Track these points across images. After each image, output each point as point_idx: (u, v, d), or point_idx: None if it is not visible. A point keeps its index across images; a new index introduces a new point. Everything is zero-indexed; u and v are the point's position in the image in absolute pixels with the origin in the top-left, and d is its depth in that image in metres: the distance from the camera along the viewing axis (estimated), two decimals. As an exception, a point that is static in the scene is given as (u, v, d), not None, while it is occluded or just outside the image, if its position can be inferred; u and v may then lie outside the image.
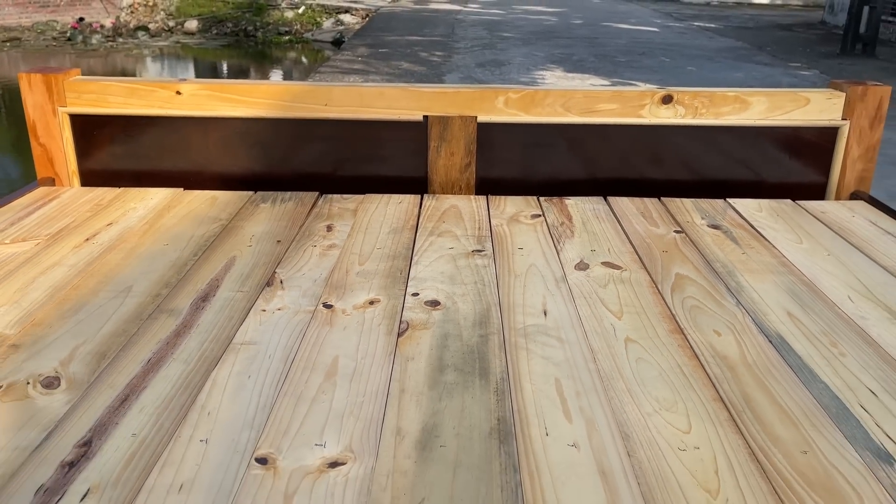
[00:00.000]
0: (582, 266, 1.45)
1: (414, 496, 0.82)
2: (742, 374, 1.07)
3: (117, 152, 1.92)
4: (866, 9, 7.71)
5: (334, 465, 0.87)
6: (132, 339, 1.15)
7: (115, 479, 0.84)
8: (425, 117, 1.87)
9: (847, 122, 1.88)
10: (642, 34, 9.89)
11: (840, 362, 1.11)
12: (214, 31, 14.82)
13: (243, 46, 14.07)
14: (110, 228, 1.59)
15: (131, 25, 14.81)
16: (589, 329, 1.20)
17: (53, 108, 1.85)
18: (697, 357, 1.12)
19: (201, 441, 0.91)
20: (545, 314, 1.25)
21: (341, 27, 13.63)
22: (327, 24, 14.06)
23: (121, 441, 0.91)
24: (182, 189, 1.84)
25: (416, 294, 1.31)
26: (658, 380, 1.05)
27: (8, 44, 13.17)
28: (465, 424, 0.95)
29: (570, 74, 6.84)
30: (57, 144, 1.87)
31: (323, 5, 15.08)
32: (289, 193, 1.82)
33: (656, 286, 1.36)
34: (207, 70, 13.43)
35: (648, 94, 1.88)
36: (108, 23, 14.71)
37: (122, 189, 1.84)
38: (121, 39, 13.92)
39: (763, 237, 1.61)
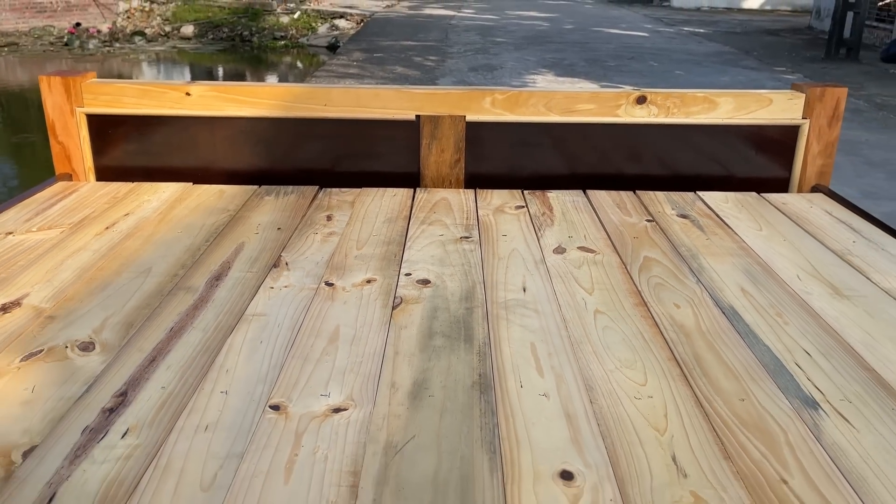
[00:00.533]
0: (560, 250, 1.59)
1: (406, 434, 0.96)
2: (695, 339, 1.22)
3: (130, 149, 2.06)
4: (850, 14, 7.89)
5: (337, 410, 1.01)
6: (155, 311, 1.29)
7: (150, 421, 0.98)
8: (417, 117, 2.01)
9: (807, 121, 2.03)
10: (632, 39, 10.06)
11: (783, 329, 1.26)
12: (210, 36, 14.94)
13: (239, 51, 14.20)
14: (127, 218, 1.73)
15: (128, 30, 14.93)
16: (563, 303, 1.34)
17: (71, 108, 1.99)
18: (657, 325, 1.26)
19: (222, 392, 1.05)
20: (524, 290, 1.39)
21: (336, 32, 13.77)
22: (322, 29, 14.20)
23: (151, 392, 1.05)
24: (191, 183, 1.98)
25: (408, 274, 1.46)
26: (621, 344, 1.20)
27: (6, 49, 13.28)
28: (451, 379, 1.09)
29: (561, 78, 6.99)
30: (74, 142, 2.01)
31: (318, 11, 15.23)
32: (291, 187, 1.96)
33: (626, 267, 1.51)
34: (203, 74, 13.55)
35: (624, 94, 2.03)
36: (104, 28, 14.82)
37: (135, 183, 1.98)
38: (118, 44, 14.04)
39: (727, 225, 1.76)
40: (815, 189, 2.07)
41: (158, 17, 15.13)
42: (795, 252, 1.60)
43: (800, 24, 12.48)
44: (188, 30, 14.72)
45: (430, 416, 1.00)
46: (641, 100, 2.02)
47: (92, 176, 2.06)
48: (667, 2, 18.75)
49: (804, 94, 2.01)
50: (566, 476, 0.89)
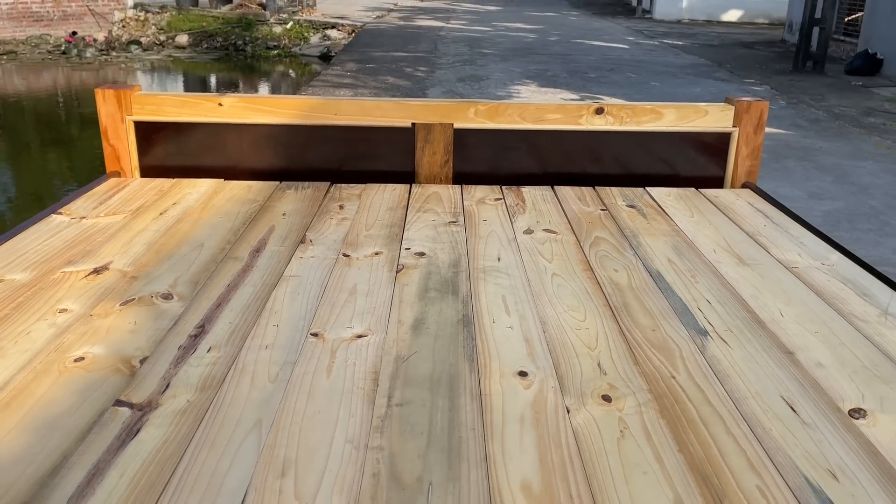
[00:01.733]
0: (528, 231, 1.98)
1: (410, 350, 1.35)
2: (626, 293, 1.61)
3: (170, 151, 2.43)
4: (816, 29, 8.37)
5: (360, 336, 1.40)
6: (213, 273, 1.67)
7: (225, 342, 1.36)
8: (413, 124, 2.40)
9: (737, 129, 2.43)
10: (613, 51, 10.52)
11: (693, 286, 1.65)
12: (205, 46, 15.26)
13: (233, 60, 14.53)
14: (175, 207, 2.11)
15: (123, 39, 15.24)
16: (528, 268, 1.73)
17: (122, 116, 2.37)
18: (598, 284, 1.66)
19: (274, 325, 1.43)
20: (499, 260, 1.78)
21: (328, 42, 14.15)
22: (314, 39, 14.58)
23: (223, 325, 1.43)
24: (223, 180, 2.36)
25: (408, 248, 1.84)
26: (569, 295, 1.59)
27: (5, 57, 13.57)
28: (442, 317, 1.48)
29: (544, 89, 7.41)
30: (123, 145, 2.39)
31: (310, 21, 15.60)
32: (307, 183, 2.35)
33: (579, 244, 1.90)
34: (198, 82, 13.87)
35: (585, 106, 2.43)
36: (100, 37, 15.12)
37: (175, 179, 2.35)
38: (114, 53, 14.35)
39: (666, 213, 2.16)
40: (744, 185, 2.47)
41: (153, 27, 15.46)
42: (716, 233, 2.00)
43: (775, 36, 13.00)
44: (183, 39, 15.06)
45: (427, 340, 1.39)
46: (600, 111, 2.42)
47: (137, 173, 2.44)
48: (648, 14, 19.29)
49: (734, 107, 2.42)
50: (522, 374, 1.28)
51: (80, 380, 1.23)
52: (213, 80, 13.77)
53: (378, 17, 17.06)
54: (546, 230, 2.00)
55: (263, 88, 12.98)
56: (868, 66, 8.12)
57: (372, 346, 1.37)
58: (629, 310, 1.53)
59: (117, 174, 2.41)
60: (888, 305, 1.58)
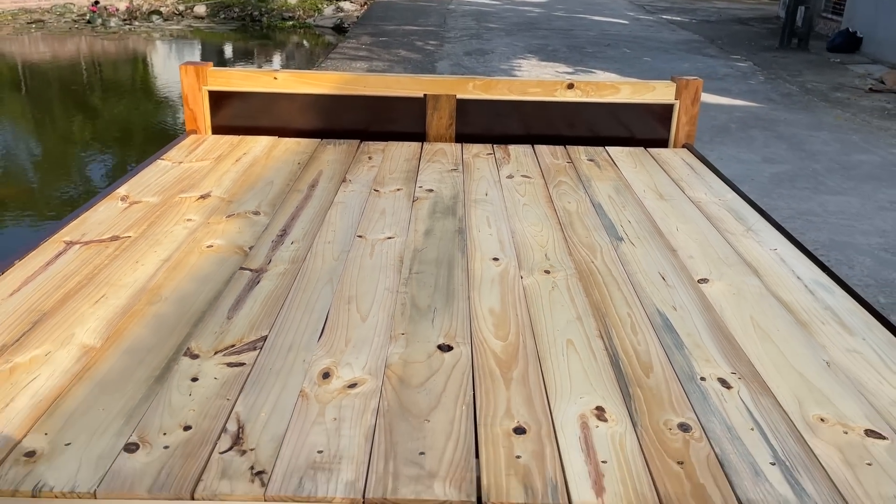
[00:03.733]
0: (510, 177, 2.67)
1: (422, 245, 2.05)
2: (573, 216, 2.31)
3: (235, 114, 3.12)
4: (801, 8, 8.92)
5: (389, 238, 2.10)
6: (284, 200, 2.37)
7: (301, 239, 2.07)
8: (424, 95, 3.08)
9: (678, 102, 3.11)
10: (613, 27, 11.09)
11: (621, 211, 2.35)
12: (222, 16, 15.81)
13: (249, 30, 15.09)
14: (245, 156, 2.80)
15: (144, 9, 15.80)
16: (507, 200, 2.43)
17: (199, 86, 3.05)
18: (555, 210, 2.35)
19: (332, 231, 2.13)
20: (486, 195, 2.48)
21: (341, 14, 14.70)
22: (328, 10, 15.12)
23: (298, 230, 2.13)
24: (277, 137, 3.05)
25: (420, 186, 2.54)
26: (533, 217, 2.29)
27: (33, 26, 14.19)
28: (444, 228, 2.18)
29: (543, 63, 8.03)
30: (200, 109, 3.08)
31: (323, -7, 16.08)
32: (342, 140, 3.04)
33: (546, 185, 2.59)
34: (216, 52, 14.44)
35: (559, 82, 3.11)
36: (122, 6, 15.69)
37: (241, 136, 3.05)
38: (137, 23, 14.93)
39: (616, 165, 2.85)
40: (684, 146, 3.15)
41: (173, -3, 15.98)
42: (649, 179, 2.69)
43: (771, 13, 13.48)
44: (201, 9, 15.61)
45: (434, 241, 2.09)
46: (571, 86, 3.10)
47: (209, 132, 3.13)
48: (654, -12, 19.65)
49: (675, 84, 3.09)
50: (495, 259, 1.98)
51: (214, 256, 1.94)
52: (230, 49, 14.32)
53: (389, -11, 17.51)
54: (523, 176, 2.69)
55: (279, 59, 13.54)
56: (848, 43, 8.68)
57: (397, 243, 2.07)
58: (573, 226, 2.23)
59: (195, 132, 3.11)
60: (752, 224, 2.27)
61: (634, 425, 1.32)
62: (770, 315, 1.73)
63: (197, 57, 13.48)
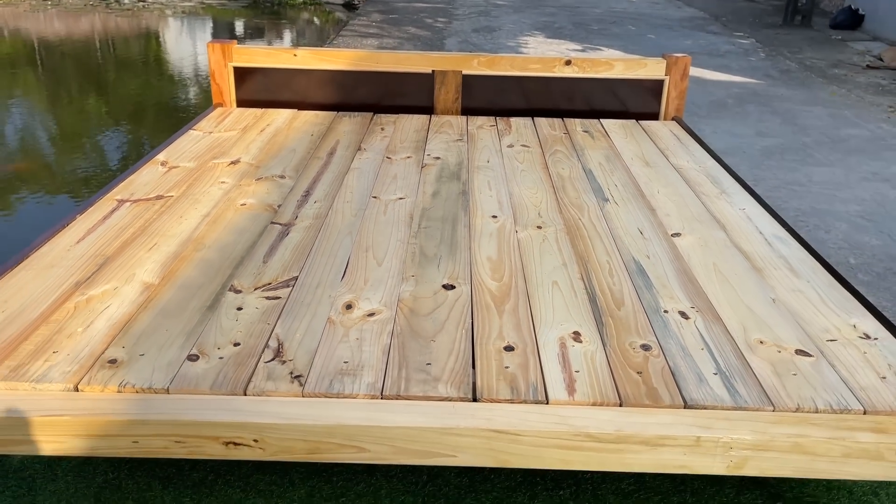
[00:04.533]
0: (510, 146, 2.93)
1: (430, 205, 2.32)
2: (565, 181, 2.57)
3: (258, 89, 3.38)
4: (805, -15, 9.06)
5: (400, 198, 2.37)
6: (306, 165, 2.63)
7: (323, 198, 2.34)
8: (433, 71, 3.33)
9: (668, 77, 3.34)
10: (619, 4, 11.20)
11: (609, 176, 2.60)
12: (234, -7, 15.89)
13: (261, 7, 15.24)
14: (269, 127, 3.07)
15: (157, -14, 15.90)
16: (507, 167, 2.69)
17: (225, 63, 3.31)
18: (550, 176, 2.61)
19: (350, 192, 2.40)
20: (488, 162, 2.74)
21: (351, -9, 14.79)
22: (338, -13, 15.21)
23: (320, 191, 2.40)
24: (297, 110, 3.31)
25: (429, 154, 2.80)
26: (529, 181, 2.55)
27: (49, 3, 14.40)
28: (449, 190, 2.44)
29: (549, 40, 8.20)
30: (226, 84, 3.34)
31: (333, -30, 16.15)
32: (356, 113, 3.29)
33: (543, 153, 2.85)
34: (227, 29, 14.60)
35: (558, 59, 3.35)
36: (135, -17, 15.81)
37: (263, 109, 3.31)
38: (150, 0, 15.10)
39: (608, 136, 3.10)
40: (673, 119, 3.39)
41: (185, -26, 16.08)
42: (638, 148, 2.94)
43: (780, -11, 13.50)
44: (213, -14, 15.69)
45: (440, 201, 2.36)
46: (568, 62, 3.34)
47: (234, 105, 3.40)
48: (663, -36, 19.61)
49: (665, 61, 3.33)
50: (494, 217, 2.25)
51: (247, 213, 2.22)
52: (241, 26, 14.49)
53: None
54: (522, 145, 2.95)
55: (290, 35, 13.70)
56: (850, 20, 8.80)
57: (408, 203, 2.34)
58: (564, 189, 2.50)
59: (220, 105, 3.37)
60: (726, 188, 2.53)
61: (604, 345, 1.59)
62: (730, 262, 1.99)
63: (209, 33, 13.68)
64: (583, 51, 7.53)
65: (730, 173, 2.68)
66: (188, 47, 10.79)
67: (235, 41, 3.38)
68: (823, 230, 3.44)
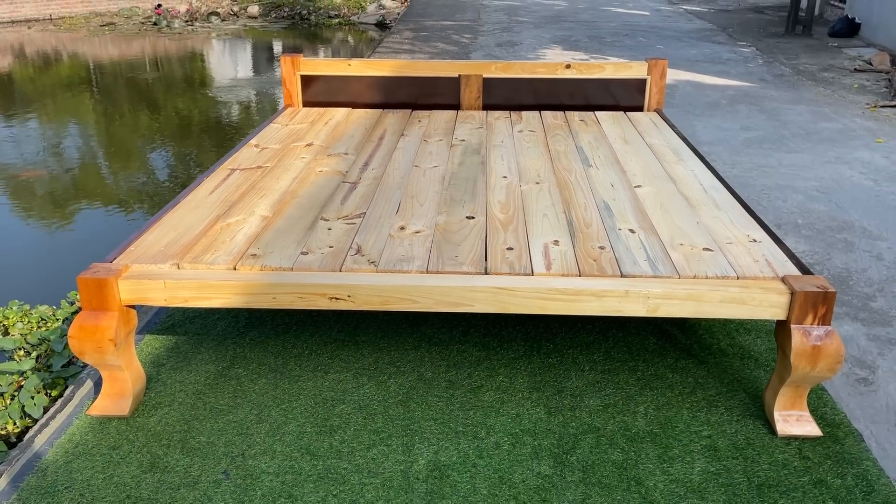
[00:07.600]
0: (520, 131, 3.74)
1: (457, 171, 3.13)
2: (560, 154, 3.36)
3: (320, 92, 4.24)
4: (805, -3, 9.74)
5: (435, 167, 3.18)
6: (363, 146, 3.47)
7: (378, 166, 3.16)
8: (459, 75, 4.15)
9: (650, 77, 4.13)
10: (633, 18, 11.97)
11: (596, 151, 3.40)
12: (273, 15, 17.07)
13: (299, 28, 16.31)
14: (330, 121, 3.92)
15: (203, 11, 17.13)
16: (516, 146, 3.49)
17: (294, 71, 4.18)
18: (549, 151, 3.41)
19: (398, 163, 3.23)
20: (501, 142, 3.55)
21: (383, 11, 15.81)
22: (371, 7, 16.25)
23: (376, 163, 3.23)
24: (351, 108, 4.16)
25: (456, 138, 3.62)
26: (533, 155, 3.35)
27: (106, 28, 15.61)
28: (471, 161, 3.26)
29: (566, 52, 8.99)
30: (295, 88, 4.20)
31: (365, -8, 17.18)
32: (398, 110, 4.13)
33: (545, 136, 3.65)
34: (267, 48, 15.63)
35: (560, 64, 4.16)
36: (182, 8, 17.04)
37: (324, 108, 4.16)
38: (197, 24, 16.27)
39: (599, 124, 3.89)
40: (655, 111, 4.17)
41: (227, -1, 17.25)
42: (621, 132, 3.73)
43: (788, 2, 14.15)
44: (254, 9, 16.87)
45: (464, 169, 3.17)
46: (568, 66, 4.15)
47: (300, 105, 4.26)
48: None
49: (647, 63, 4.11)
50: (504, 177, 3.06)
51: (324, 176, 3.05)
52: (280, 47, 15.53)
53: (426, -14, 18.54)
54: (530, 131, 3.76)
55: (326, 54, 14.67)
56: (847, 29, 9.44)
57: (440, 170, 3.16)
58: (559, 159, 3.29)
59: (290, 105, 4.23)
60: (683, 157, 3.30)
61: (574, 247, 2.39)
62: (674, 203, 2.77)
63: (250, 53, 14.69)
64: (593, 61, 8.34)
65: (690, 148, 3.46)
66: (239, 67, 11.81)
67: (302, 55, 4.25)
68: (781, 200, 4.18)
